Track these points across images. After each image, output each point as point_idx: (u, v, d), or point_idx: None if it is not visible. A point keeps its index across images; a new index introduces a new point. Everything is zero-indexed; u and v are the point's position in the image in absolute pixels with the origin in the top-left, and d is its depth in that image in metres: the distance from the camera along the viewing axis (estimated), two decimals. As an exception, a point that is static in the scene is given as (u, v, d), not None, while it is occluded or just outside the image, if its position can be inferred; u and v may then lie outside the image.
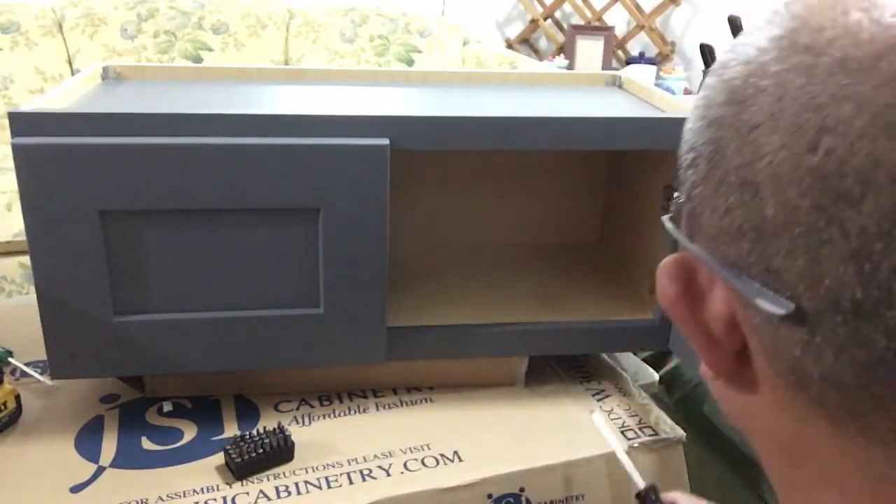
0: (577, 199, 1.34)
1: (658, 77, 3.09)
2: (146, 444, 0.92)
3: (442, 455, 0.92)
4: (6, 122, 0.82)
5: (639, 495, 0.80)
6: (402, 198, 1.25)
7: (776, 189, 0.32)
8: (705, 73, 2.77)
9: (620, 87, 1.23)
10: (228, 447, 0.88)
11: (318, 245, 0.89)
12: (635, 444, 0.95)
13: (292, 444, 0.90)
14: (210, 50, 2.60)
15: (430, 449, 0.93)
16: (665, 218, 0.42)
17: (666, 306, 0.41)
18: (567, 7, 3.38)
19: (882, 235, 0.29)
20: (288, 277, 0.91)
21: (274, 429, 0.90)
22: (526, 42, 3.41)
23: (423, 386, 1.06)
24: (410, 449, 0.93)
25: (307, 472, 0.88)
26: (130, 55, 2.53)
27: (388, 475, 0.89)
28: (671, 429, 0.97)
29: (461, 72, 1.22)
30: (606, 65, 3.24)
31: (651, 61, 3.25)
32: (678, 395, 1.24)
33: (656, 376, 1.19)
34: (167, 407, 0.99)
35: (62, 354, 0.89)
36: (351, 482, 0.87)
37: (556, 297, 1.15)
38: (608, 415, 1.02)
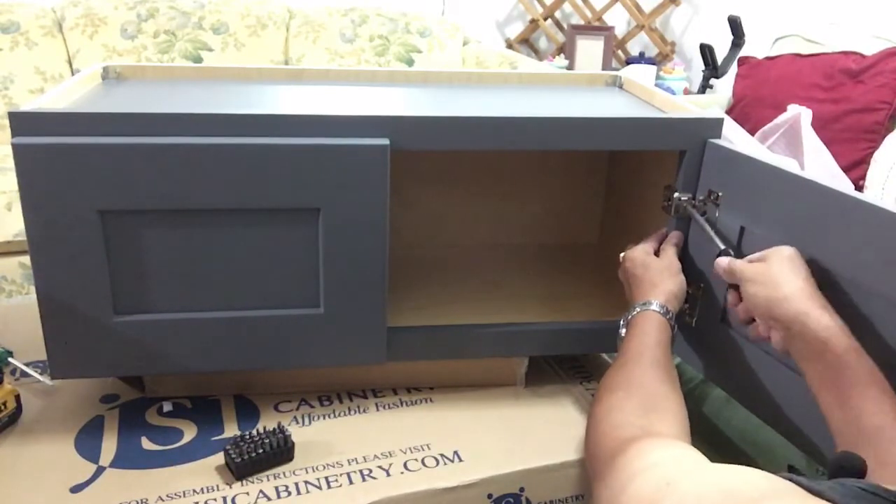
0: (577, 199, 1.34)
1: (658, 77, 3.09)
2: (146, 444, 0.92)
3: (442, 455, 0.92)
4: (6, 122, 0.82)
5: (719, 255, 0.87)
6: (402, 198, 1.25)
7: None
8: (705, 73, 2.77)
9: (620, 87, 1.23)
10: (228, 447, 0.88)
11: (318, 245, 0.89)
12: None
13: (292, 444, 0.90)
14: (210, 50, 2.60)
15: (430, 449, 0.93)
16: None
17: None
18: (567, 7, 3.38)
19: None
20: (288, 277, 0.91)
21: (274, 429, 0.90)
22: (526, 42, 3.41)
23: (423, 386, 1.06)
24: (410, 449, 0.93)
25: (307, 472, 0.88)
26: (130, 55, 2.53)
27: (388, 475, 0.89)
28: (671, 429, 0.97)
29: (461, 72, 1.22)
30: (606, 65, 3.24)
31: (651, 61, 3.25)
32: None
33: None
34: (167, 407, 1.00)
35: (62, 354, 0.89)
36: (351, 482, 0.87)
37: (556, 297, 1.16)
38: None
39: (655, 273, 0.94)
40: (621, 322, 0.91)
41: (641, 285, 0.94)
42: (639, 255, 0.97)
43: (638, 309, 0.89)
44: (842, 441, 0.70)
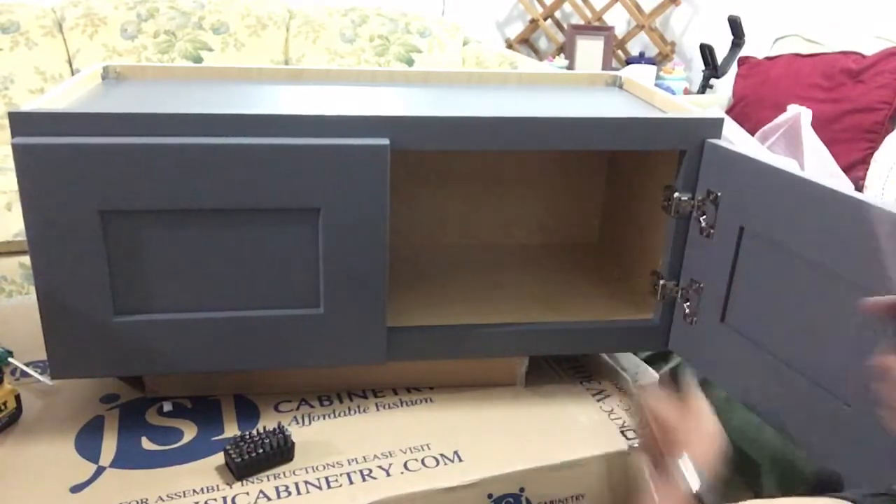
0: (577, 199, 1.34)
1: (658, 77, 3.09)
2: (146, 444, 0.92)
3: (442, 455, 0.92)
4: (6, 122, 0.82)
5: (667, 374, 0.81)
6: (402, 198, 1.25)
7: None
8: (705, 73, 2.77)
9: (620, 87, 1.23)
10: (228, 447, 0.88)
11: (318, 245, 0.89)
12: (635, 445, 0.95)
13: (292, 444, 0.90)
14: (210, 50, 2.59)
15: (430, 449, 0.93)
16: None
17: None
18: (567, 7, 3.38)
19: None
20: (288, 277, 0.91)
21: (274, 429, 0.90)
22: (526, 42, 3.41)
23: (423, 386, 1.06)
24: (410, 449, 0.93)
25: (307, 472, 0.88)
26: (130, 55, 2.53)
27: (388, 475, 0.89)
28: (671, 429, 0.97)
29: (461, 72, 1.22)
30: (606, 65, 3.23)
31: (651, 61, 3.25)
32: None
33: (656, 376, 1.19)
34: (167, 407, 1.00)
35: (62, 354, 0.89)
36: (351, 482, 0.87)
37: (556, 297, 1.15)
38: (608, 415, 1.02)
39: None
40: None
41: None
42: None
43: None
44: None
